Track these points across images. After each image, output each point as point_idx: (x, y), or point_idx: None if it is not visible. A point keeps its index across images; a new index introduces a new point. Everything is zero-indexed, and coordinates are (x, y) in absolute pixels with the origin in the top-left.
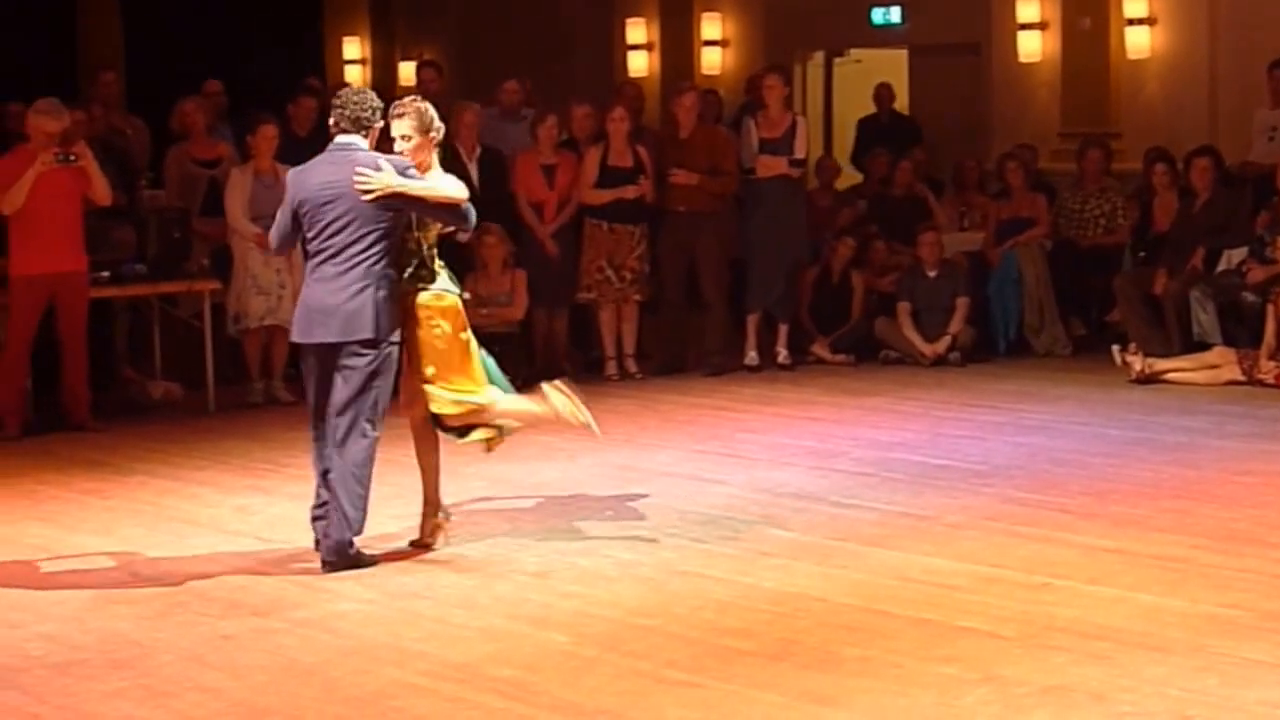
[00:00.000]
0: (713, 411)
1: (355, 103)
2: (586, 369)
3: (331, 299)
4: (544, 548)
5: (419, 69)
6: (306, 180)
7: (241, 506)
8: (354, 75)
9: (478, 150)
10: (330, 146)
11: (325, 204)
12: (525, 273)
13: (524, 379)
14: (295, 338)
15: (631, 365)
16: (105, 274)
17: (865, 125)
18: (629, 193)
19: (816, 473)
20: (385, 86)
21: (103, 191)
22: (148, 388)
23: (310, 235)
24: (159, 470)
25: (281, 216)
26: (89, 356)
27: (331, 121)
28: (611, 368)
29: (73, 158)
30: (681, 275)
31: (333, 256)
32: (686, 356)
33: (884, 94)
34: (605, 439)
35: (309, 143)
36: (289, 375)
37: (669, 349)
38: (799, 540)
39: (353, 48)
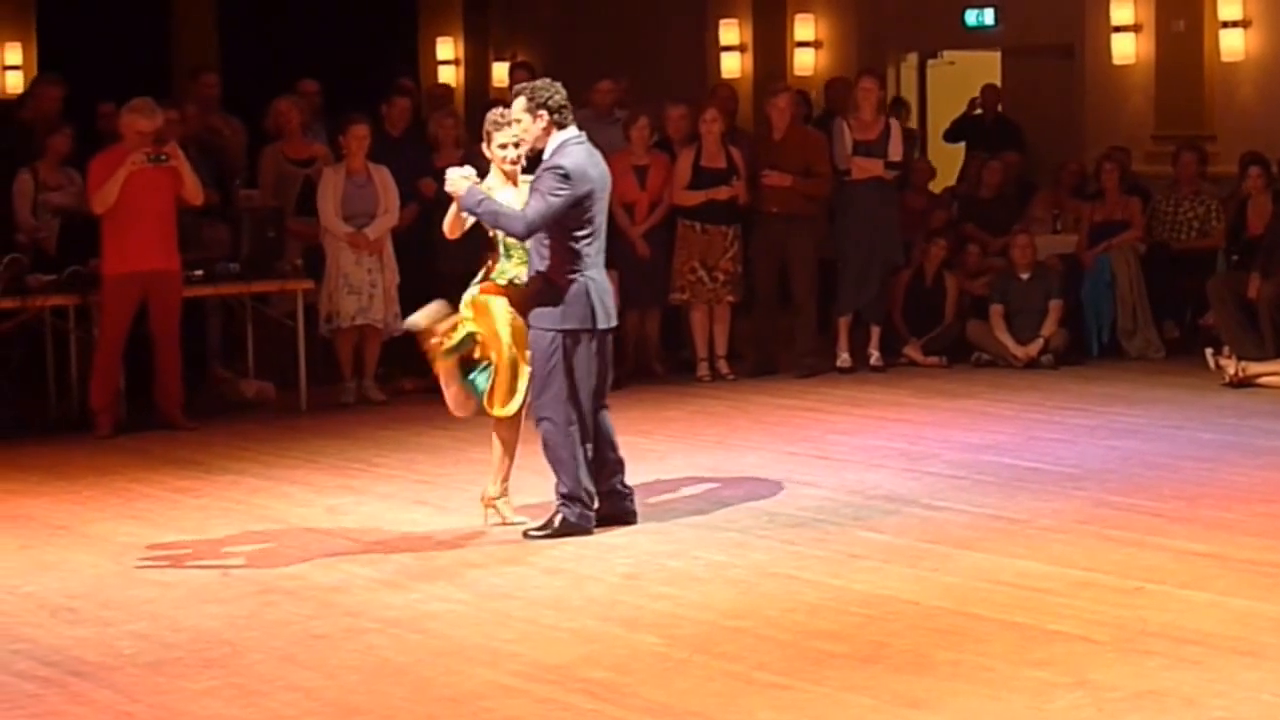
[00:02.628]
0: (804, 413)
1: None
2: (678, 370)
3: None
4: (635, 549)
5: (512, 70)
6: (589, 170)
7: (333, 506)
8: (447, 76)
9: None
10: (577, 137)
11: (605, 192)
12: (617, 273)
13: (615, 380)
14: (611, 323)
15: (723, 366)
16: (199, 273)
17: (963, 124)
18: (722, 194)
19: (908, 475)
20: (478, 87)
21: (195, 191)
22: (240, 387)
23: (589, 222)
24: (251, 469)
25: (557, 204)
26: (182, 355)
27: (565, 110)
28: (703, 369)
29: (164, 157)
30: (774, 277)
31: (599, 246)
32: (778, 358)
33: (989, 96)
34: (696, 440)
35: (402, 143)
36: (380, 375)
37: (761, 350)
38: (890, 543)
39: (446, 48)
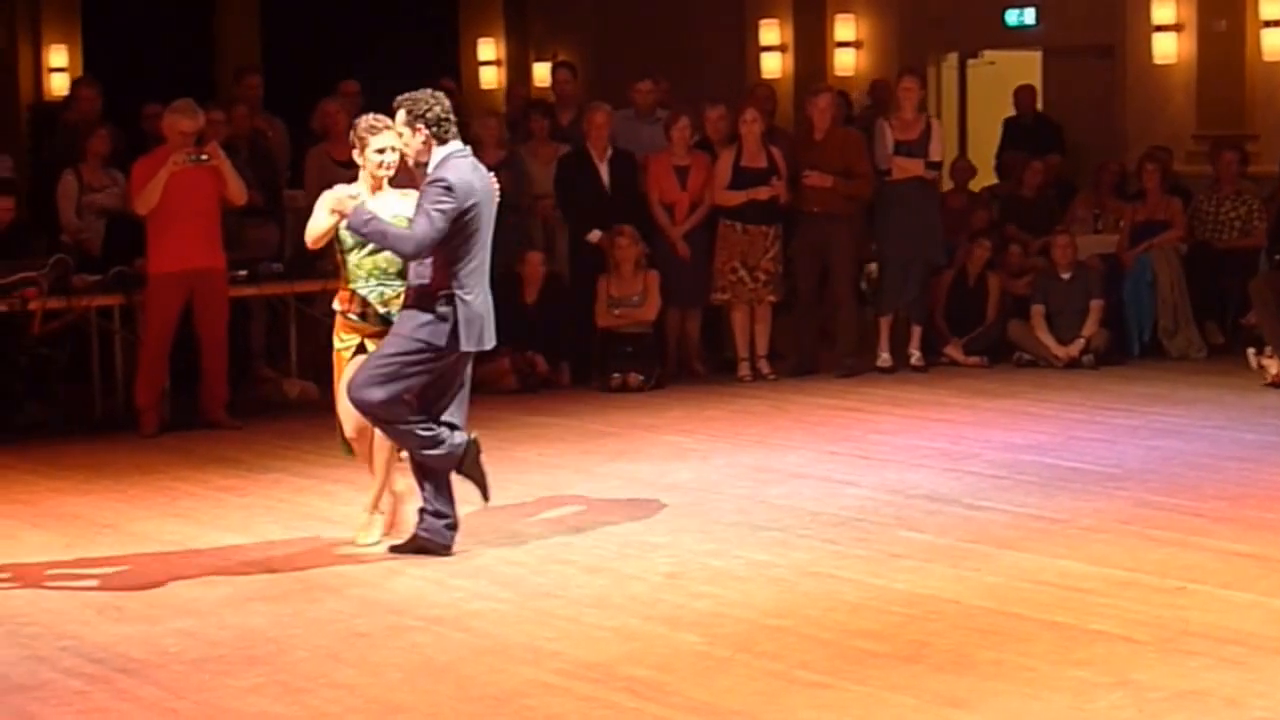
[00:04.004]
0: (845, 413)
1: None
2: (719, 370)
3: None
4: (676, 548)
5: (554, 70)
6: (474, 183)
7: None
8: (489, 76)
9: (609, 151)
10: (460, 150)
11: (491, 206)
12: (658, 274)
13: (656, 379)
14: (487, 344)
15: (764, 366)
16: (243, 273)
17: (1009, 126)
18: (762, 194)
19: (949, 474)
20: (520, 88)
21: (238, 191)
22: (284, 386)
23: (472, 236)
24: (294, 468)
25: (442, 220)
26: (227, 355)
27: (445, 123)
28: (744, 369)
29: (204, 157)
30: (814, 276)
31: (483, 263)
32: (819, 358)
33: (1025, 96)
34: (738, 439)
35: None
36: None
37: (801, 350)
38: (931, 542)
39: (487, 49)
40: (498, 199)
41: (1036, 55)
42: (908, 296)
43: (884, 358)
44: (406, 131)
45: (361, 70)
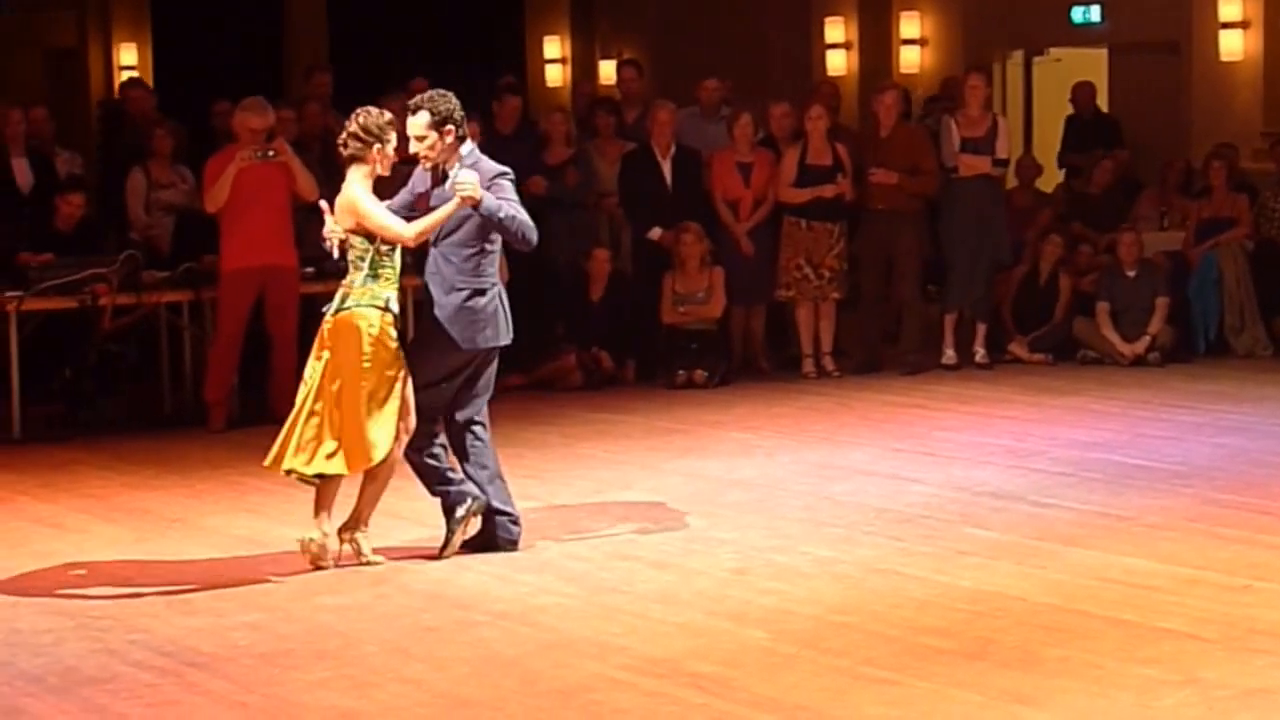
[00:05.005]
0: (910, 410)
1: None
2: (784, 367)
3: None
4: (742, 544)
5: (619, 68)
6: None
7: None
8: (554, 74)
9: (672, 149)
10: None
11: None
12: (723, 270)
13: (721, 376)
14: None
15: (829, 363)
16: (310, 269)
17: (1070, 124)
18: (827, 191)
19: (1014, 472)
20: (585, 85)
21: (308, 186)
22: None
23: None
24: None
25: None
26: (297, 351)
27: (465, 119)
28: (809, 365)
29: (272, 153)
30: (879, 273)
31: None
32: (883, 355)
33: (1083, 93)
34: (803, 436)
35: (513, 140)
36: None
37: (866, 347)
38: (997, 539)
39: (553, 46)
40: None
41: (1102, 52)
42: (973, 294)
43: (949, 355)
44: (433, 135)
45: (427, 68)
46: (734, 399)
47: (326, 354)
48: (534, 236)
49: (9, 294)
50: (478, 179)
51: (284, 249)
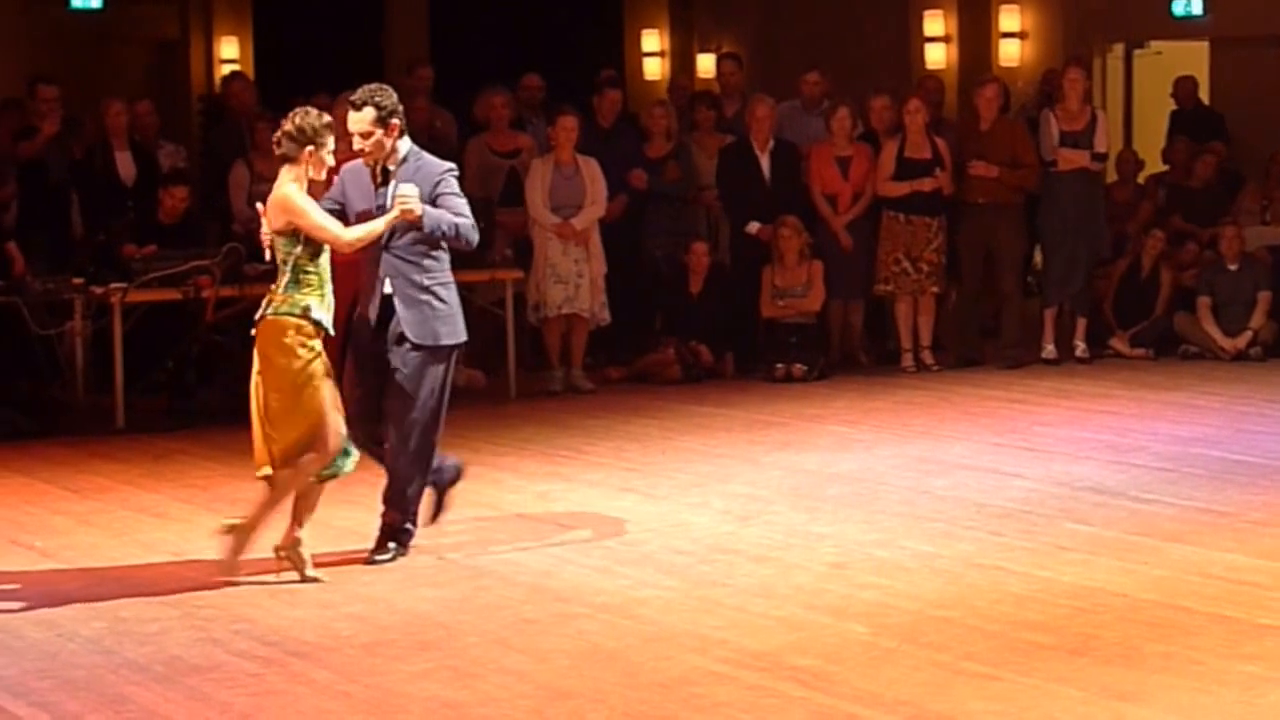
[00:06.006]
0: (1009, 404)
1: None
2: (882, 360)
3: None
4: (842, 538)
5: (719, 61)
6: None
7: (542, 493)
8: (652, 68)
9: (771, 143)
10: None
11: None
12: (822, 264)
13: (820, 370)
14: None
15: (928, 357)
16: None
17: (1175, 119)
18: (925, 185)
19: (1115, 467)
20: (683, 79)
21: None
22: None
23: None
24: (462, 455)
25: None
26: None
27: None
28: (908, 360)
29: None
30: (979, 267)
31: None
32: (983, 349)
33: (1185, 88)
34: (902, 430)
35: (613, 135)
36: (588, 364)
37: (965, 341)
38: (1098, 535)
39: (651, 40)
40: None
41: (1204, 45)
42: (1072, 288)
43: (1049, 349)
44: (379, 131)
45: (526, 62)
46: (833, 393)
47: (257, 361)
48: (474, 237)
49: (113, 286)
50: (418, 193)
51: None
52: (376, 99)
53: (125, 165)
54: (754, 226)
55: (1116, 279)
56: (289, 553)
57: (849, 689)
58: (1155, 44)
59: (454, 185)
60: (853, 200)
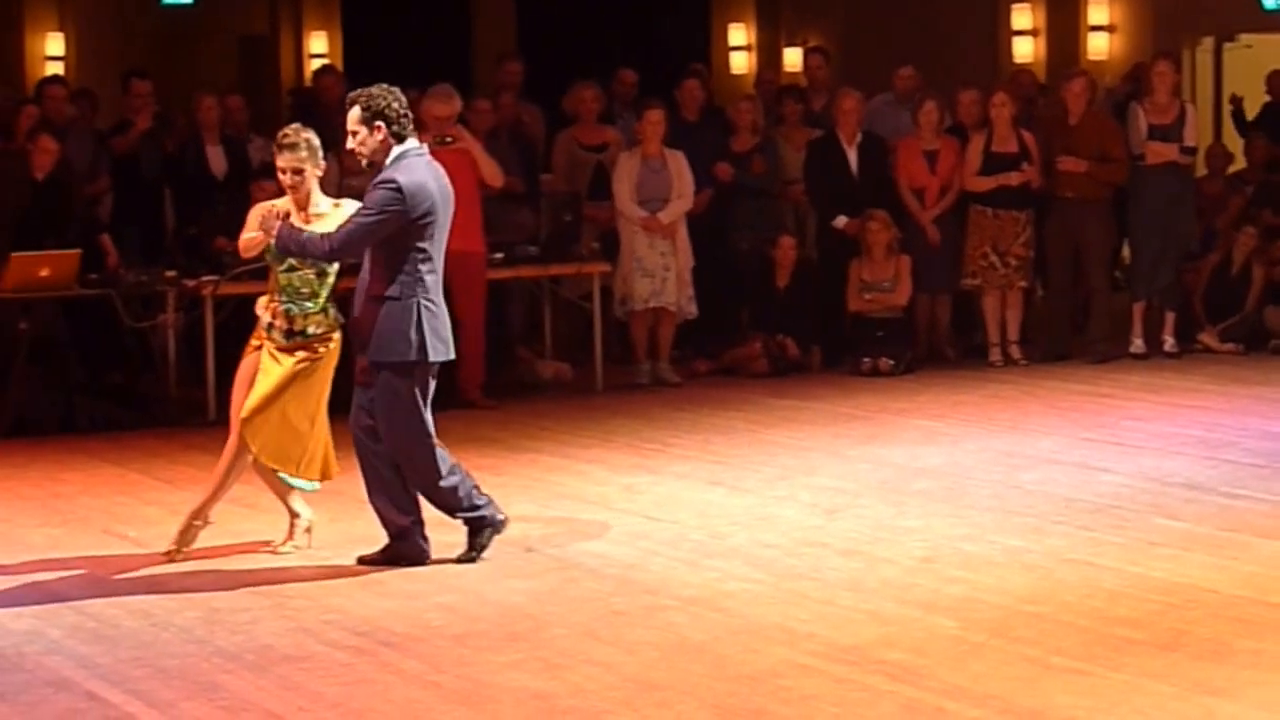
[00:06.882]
0: (1098, 399)
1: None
2: (970, 355)
3: None
4: (929, 532)
5: (806, 55)
6: (429, 184)
7: (629, 485)
8: (739, 62)
9: (858, 137)
10: (418, 149)
11: (447, 212)
12: (909, 258)
13: (907, 364)
14: (447, 355)
15: (1015, 351)
16: (499, 255)
17: (1266, 112)
18: (1013, 179)
19: (1206, 462)
20: (769, 73)
21: (492, 173)
22: (537, 368)
23: (427, 243)
24: (548, 448)
25: (376, 227)
26: (485, 337)
27: (405, 119)
28: (995, 354)
29: (449, 139)
30: (1068, 262)
31: (437, 271)
32: (1071, 343)
33: (1277, 81)
34: (990, 424)
35: (698, 128)
36: (675, 357)
37: (1053, 336)
38: (1189, 530)
39: (738, 34)
40: (452, 202)
41: None
42: (1161, 282)
43: (1137, 344)
44: (363, 130)
45: (613, 56)
46: (919, 387)
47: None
48: (320, 248)
49: (205, 279)
50: (275, 210)
51: (472, 235)
52: (365, 99)
53: (216, 160)
54: (841, 221)
55: (1206, 274)
56: (190, 526)
57: (937, 683)
58: (1245, 37)
59: (373, 196)
60: (940, 194)
